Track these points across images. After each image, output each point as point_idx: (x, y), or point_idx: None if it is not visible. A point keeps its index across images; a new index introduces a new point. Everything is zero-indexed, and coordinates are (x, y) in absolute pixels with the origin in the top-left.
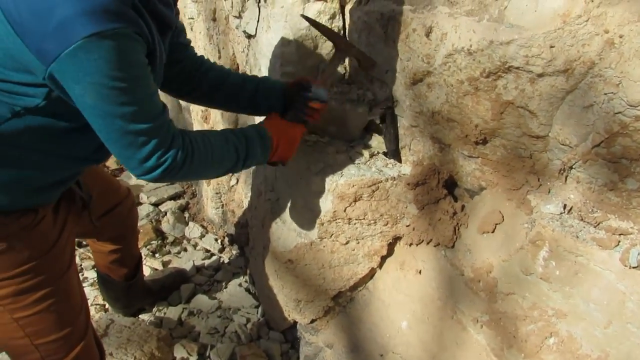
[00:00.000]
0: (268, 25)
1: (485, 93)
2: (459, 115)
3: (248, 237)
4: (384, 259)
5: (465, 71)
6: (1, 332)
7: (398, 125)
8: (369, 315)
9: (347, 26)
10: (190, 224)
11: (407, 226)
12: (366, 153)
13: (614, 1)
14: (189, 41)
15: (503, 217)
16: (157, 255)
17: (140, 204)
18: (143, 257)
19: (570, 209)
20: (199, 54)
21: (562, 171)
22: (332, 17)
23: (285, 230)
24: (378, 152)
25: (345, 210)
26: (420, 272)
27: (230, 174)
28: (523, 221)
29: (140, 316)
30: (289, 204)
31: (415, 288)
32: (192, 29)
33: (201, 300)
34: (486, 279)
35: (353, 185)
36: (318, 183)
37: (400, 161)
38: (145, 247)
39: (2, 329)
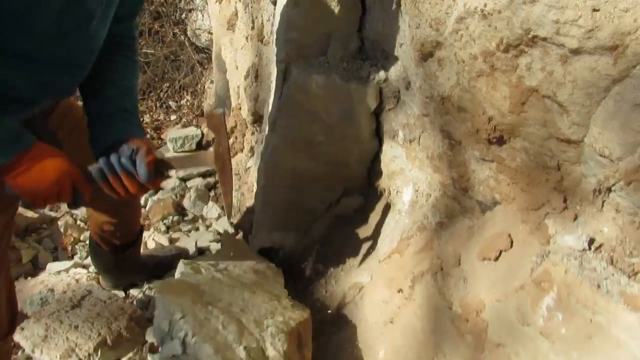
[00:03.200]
0: None
1: (504, 75)
2: (470, 104)
3: (252, 224)
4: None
5: (479, 42)
6: None
7: (408, 113)
8: (352, 334)
9: None
10: (210, 203)
11: None
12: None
13: None
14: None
15: (512, 242)
16: (170, 231)
17: (169, 177)
18: (154, 230)
19: (600, 246)
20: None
21: (597, 193)
22: None
23: None
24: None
25: None
26: (405, 294)
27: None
28: (534, 252)
29: (130, 291)
30: None
31: (399, 312)
32: None
33: None
34: (475, 319)
35: None
36: None
37: None
38: (162, 221)
39: None
